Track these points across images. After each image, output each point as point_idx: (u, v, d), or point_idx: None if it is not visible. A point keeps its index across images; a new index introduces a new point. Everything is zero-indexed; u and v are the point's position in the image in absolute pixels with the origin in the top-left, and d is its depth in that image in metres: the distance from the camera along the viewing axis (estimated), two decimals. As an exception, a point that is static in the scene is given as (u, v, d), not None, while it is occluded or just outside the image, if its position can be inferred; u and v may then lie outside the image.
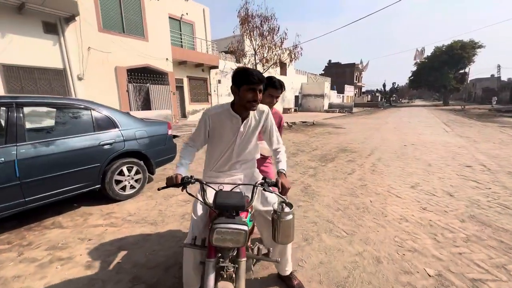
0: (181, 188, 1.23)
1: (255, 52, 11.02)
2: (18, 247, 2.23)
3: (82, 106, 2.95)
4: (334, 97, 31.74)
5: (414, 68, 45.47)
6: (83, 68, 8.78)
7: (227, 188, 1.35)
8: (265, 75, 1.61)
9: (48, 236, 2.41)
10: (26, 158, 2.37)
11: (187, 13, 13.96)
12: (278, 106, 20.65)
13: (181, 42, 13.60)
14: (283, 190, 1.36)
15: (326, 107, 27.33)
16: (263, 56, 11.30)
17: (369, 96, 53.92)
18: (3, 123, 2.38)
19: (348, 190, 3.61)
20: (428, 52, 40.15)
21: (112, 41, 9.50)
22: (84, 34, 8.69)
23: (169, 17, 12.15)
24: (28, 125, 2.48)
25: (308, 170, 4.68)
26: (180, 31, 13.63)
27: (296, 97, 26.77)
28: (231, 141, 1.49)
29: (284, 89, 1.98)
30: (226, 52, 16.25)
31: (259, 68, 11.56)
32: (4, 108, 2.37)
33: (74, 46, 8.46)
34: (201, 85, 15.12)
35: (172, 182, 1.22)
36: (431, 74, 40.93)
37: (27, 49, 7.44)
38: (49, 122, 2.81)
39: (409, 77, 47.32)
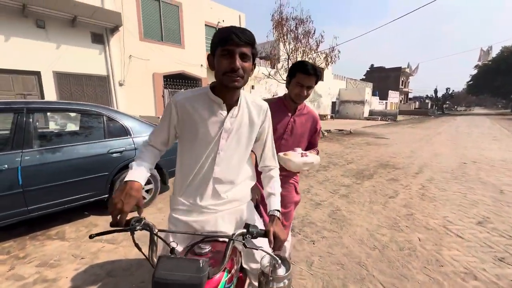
0: (129, 232, 0.85)
1: (288, 57, 10.54)
2: (13, 259, 2.13)
3: (95, 112, 2.85)
4: (376, 104, 29.40)
5: (474, 72, 40.05)
6: (124, 74, 9.35)
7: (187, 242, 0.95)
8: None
9: (46, 249, 2.29)
10: (31, 166, 2.29)
11: (223, 20, 14.19)
12: (313, 113, 19.69)
13: (217, 48, 13.82)
14: (276, 244, 0.89)
15: (366, 114, 25.41)
16: (296, 60, 10.83)
17: (417, 103, 48.94)
18: (10, 128, 2.33)
19: (389, 220, 2.91)
20: (493, 53, 34.64)
21: (151, 49, 9.98)
22: (126, 43, 9.26)
23: (206, 25, 12.45)
24: (35, 131, 2.42)
25: (340, 189, 4.03)
26: (216, 38, 13.86)
27: (333, 103, 25.42)
28: (210, 143, 0.95)
29: (321, 78, 1.50)
30: (260, 58, 16.12)
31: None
32: (14, 114, 2.34)
33: (117, 54, 9.05)
34: (234, 90, 15.16)
35: (114, 222, 0.81)
36: (496, 78, 35.57)
37: (77, 58, 8.13)
38: (58, 128, 2.75)
39: (468, 82, 41.88)
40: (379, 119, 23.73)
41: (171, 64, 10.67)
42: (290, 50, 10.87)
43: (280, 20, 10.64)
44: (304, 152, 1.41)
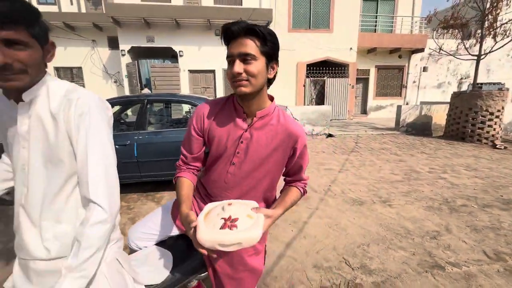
0: None
1: (484, 16, 6.67)
2: (125, 209, 2.98)
3: (193, 103, 3.27)
4: None
5: None
6: (271, 67, 10.25)
7: None
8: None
9: (144, 207, 3.00)
10: (142, 143, 3.04)
11: (389, -12, 11.54)
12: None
13: (375, 25, 11.63)
14: None
15: None
16: (494, 21, 6.55)
17: None
18: (132, 114, 3.18)
19: None
20: None
21: (297, 39, 10.14)
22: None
23: (364, 0, 10.73)
24: (149, 117, 3.16)
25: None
26: (376, 13, 11.62)
27: None
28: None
29: (271, 39, 0.82)
30: (444, 28, 11.70)
31: (489, 43, 6.90)
32: (140, 104, 3.17)
33: (267, 48, 10.04)
34: (394, 75, 12.26)
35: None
36: None
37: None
38: (165, 116, 3.41)
39: None
40: None
41: (315, 52, 10.33)
42: (488, 6, 6.78)
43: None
44: (232, 218, 0.74)
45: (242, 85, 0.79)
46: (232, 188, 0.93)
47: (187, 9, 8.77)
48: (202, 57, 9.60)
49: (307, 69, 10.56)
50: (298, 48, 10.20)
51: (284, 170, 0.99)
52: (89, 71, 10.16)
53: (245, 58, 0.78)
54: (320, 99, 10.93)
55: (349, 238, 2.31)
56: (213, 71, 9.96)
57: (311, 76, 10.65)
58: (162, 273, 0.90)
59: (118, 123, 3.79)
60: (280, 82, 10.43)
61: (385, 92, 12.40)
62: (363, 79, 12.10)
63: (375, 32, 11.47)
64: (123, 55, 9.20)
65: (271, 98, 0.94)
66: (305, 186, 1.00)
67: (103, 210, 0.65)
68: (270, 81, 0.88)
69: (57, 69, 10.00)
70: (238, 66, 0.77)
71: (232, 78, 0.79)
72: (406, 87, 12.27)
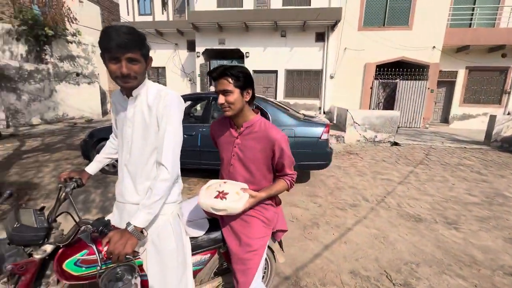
0: None
1: None
2: (186, 190, 3.47)
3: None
4: None
5: None
6: (336, 67, 9.85)
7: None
8: None
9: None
10: (204, 135, 3.47)
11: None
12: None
13: (471, 19, 9.78)
14: (109, 252, 0.83)
15: None
16: None
17: None
18: (199, 109, 3.63)
19: None
20: None
21: (368, 38, 9.44)
22: (344, 36, 9.56)
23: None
24: (212, 112, 3.57)
25: None
26: (474, 4, 9.75)
27: None
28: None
29: (244, 79, 1.12)
30: None
31: None
32: (205, 101, 3.61)
33: (333, 48, 9.69)
34: (493, 78, 10.09)
35: None
36: None
37: (302, 57, 9.84)
38: None
39: None
40: None
41: (388, 51, 9.40)
42: None
43: None
44: (224, 191, 1.11)
45: (226, 110, 1.12)
46: (232, 179, 1.23)
47: (256, 13, 9.25)
48: (266, 58, 9.96)
49: (376, 70, 9.72)
50: (368, 48, 9.48)
51: (271, 167, 1.22)
52: (170, 70, 11.83)
53: (224, 92, 1.08)
54: (389, 104, 9.92)
55: (396, 253, 2.15)
56: (275, 72, 10.23)
57: (381, 78, 9.76)
58: (200, 232, 1.21)
59: (188, 116, 4.38)
60: (347, 84, 9.92)
61: (477, 99, 10.34)
62: (446, 83, 10.38)
63: (470, 26, 9.66)
64: (198, 56, 10.37)
65: (256, 112, 1.23)
66: (292, 180, 1.22)
67: (167, 171, 0.94)
68: (249, 101, 1.16)
69: (147, 68, 12.02)
70: (221, 99, 1.10)
71: (220, 105, 1.12)
72: (509, 93, 9.95)
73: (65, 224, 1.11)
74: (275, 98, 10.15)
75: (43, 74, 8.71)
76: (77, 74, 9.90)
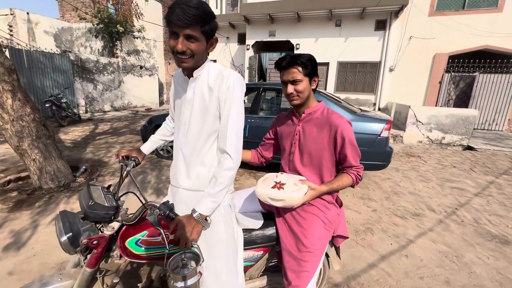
0: None
1: None
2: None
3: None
4: None
5: None
6: (397, 59, 8.81)
7: None
8: None
9: (243, 183, 3.43)
10: (253, 126, 3.43)
11: None
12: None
13: None
14: (177, 237, 0.84)
15: None
16: None
17: None
18: (247, 102, 3.59)
19: None
20: None
21: (441, 24, 8.15)
22: (410, 23, 8.44)
23: None
24: (262, 104, 3.50)
25: None
26: None
27: None
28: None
29: (311, 65, 1.08)
30: None
31: None
32: (256, 91, 3.56)
33: (395, 38, 8.66)
34: None
35: None
36: None
37: (358, 47, 9.08)
38: (275, 104, 3.66)
39: None
40: None
41: (467, 39, 7.98)
42: None
43: None
44: (281, 182, 1.05)
45: (294, 99, 1.11)
46: (293, 171, 1.18)
47: (309, 2, 8.79)
48: (318, 50, 9.46)
49: (448, 62, 8.37)
50: (440, 36, 8.21)
51: (334, 159, 1.13)
52: (220, 63, 12.16)
53: (293, 82, 1.07)
54: (461, 101, 8.48)
55: (474, 278, 1.79)
56: (327, 64, 9.66)
57: (453, 71, 8.37)
58: (255, 224, 1.14)
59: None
60: (410, 77, 8.80)
61: None
62: (547, 77, 8.35)
63: None
64: (248, 49, 10.43)
65: (319, 101, 1.19)
66: (358, 174, 1.10)
67: (232, 160, 0.89)
68: (314, 89, 1.14)
69: (200, 61, 12.67)
70: (290, 88, 1.09)
71: (287, 96, 1.11)
72: None
73: (126, 202, 1.16)
74: (325, 92, 9.63)
75: (114, 67, 9.90)
76: (141, 67, 11.00)
